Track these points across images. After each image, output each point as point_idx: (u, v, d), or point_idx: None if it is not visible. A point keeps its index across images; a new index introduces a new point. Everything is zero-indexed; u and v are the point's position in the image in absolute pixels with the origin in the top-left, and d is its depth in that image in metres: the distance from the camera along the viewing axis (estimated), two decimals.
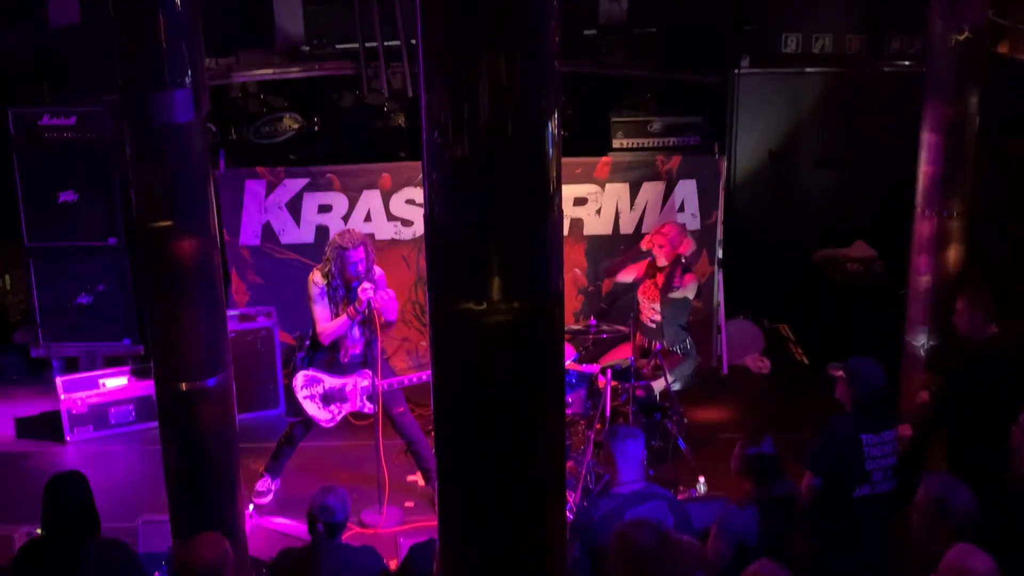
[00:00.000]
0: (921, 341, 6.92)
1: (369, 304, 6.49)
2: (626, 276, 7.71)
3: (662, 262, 7.34)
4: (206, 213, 5.14)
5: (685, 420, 7.19)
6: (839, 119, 9.03)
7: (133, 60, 4.84)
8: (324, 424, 6.78)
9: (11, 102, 8.22)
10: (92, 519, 4.72)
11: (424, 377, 6.81)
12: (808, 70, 9.03)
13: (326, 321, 6.65)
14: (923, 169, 6.77)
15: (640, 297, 7.48)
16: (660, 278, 7.37)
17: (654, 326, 7.40)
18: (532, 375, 3.08)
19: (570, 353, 7.17)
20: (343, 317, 6.60)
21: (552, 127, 2.99)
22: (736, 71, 8.88)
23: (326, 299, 6.62)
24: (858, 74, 9.01)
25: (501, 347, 3.01)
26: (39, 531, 5.09)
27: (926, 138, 6.71)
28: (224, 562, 4.43)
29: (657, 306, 7.36)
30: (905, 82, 8.45)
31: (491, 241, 2.94)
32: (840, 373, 5.54)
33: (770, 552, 4.62)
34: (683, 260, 7.33)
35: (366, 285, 6.51)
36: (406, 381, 6.80)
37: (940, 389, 6.54)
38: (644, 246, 7.48)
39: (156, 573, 5.86)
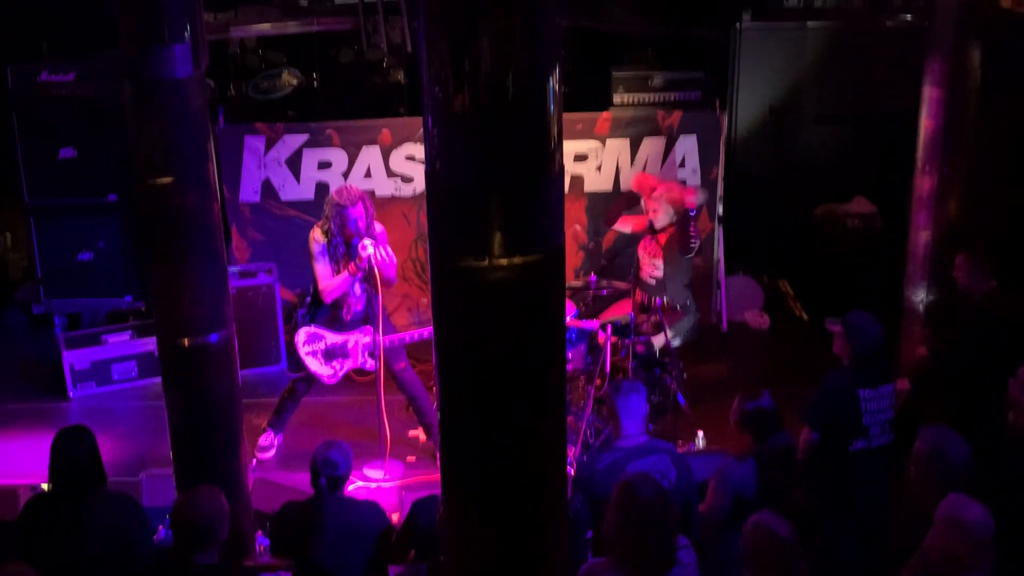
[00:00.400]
0: (920, 296, 6.96)
1: (370, 260, 6.50)
2: (623, 225, 7.69)
3: (660, 224, 7.30)
4: (206, 168, 5.14)
5: (684, 375, 7.23)
6: (841, 74, 9.00)
7: (132, 15, 4.82)
8: (326, 380, 6.81)
9: (10, 59, 8.18)
10: (98, 473, 4.77)
11: (425, 334, 6.84)
12: (810, 24, 8.98)
13: (328, 279, 6.66)
14: (924, 124, 6.77)
15: (641, 253, 7.46)
16: (662, 236, 7.34)
17: (654, 283, 7.40)
18: (533, 329, 3.10)
19: (570, 309, 7.19)
20: (344, 274, 6.61)
21: (553, 82, 2.98)
22: (737, 25, 8.83)
23: (327, 257, 6.63)
24: (860, 28, 8.96)
25: (502, 302, 3.02)
26: (44, 486, 5.15)
27: (927, 93, 6.71)
28: (220, 516, 4.48)
29: (658, 262, 7.34)
30: (907, 37, 8.41)
31: (492, 196, 2.95)
32: (838, 328, 5.56)
33: (768, 504, 4.68)
34: (692, 215, 7.27)
35: (366, 241, 6.52)
36: (407, 338, 6.82)
37: (939, 344, 6.57)
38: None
39: (160, 527, 5.93)
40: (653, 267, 7.36)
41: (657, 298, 7.33)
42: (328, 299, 6.69)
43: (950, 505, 4.22)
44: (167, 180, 4.99)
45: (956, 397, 6.38)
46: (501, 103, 2.90)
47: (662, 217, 7.25)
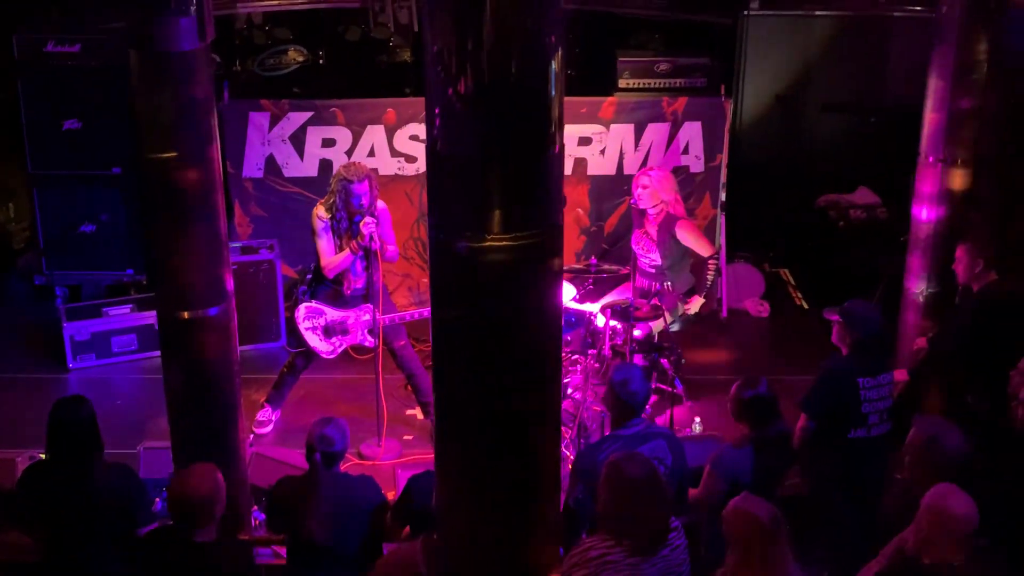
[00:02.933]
0: (921, 288, 6.95)
1: (371, 239, 6.52)
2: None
3: (642, 205, 7.22)
4: (210, 143, 5.13)
5: (683, 361, 7.25)
6: (848, 63, 8.98)
7: None
8: (325, 355, 6.83)
9: (16, 28, 8.17)
10: (96, 442, 4.79)
11: (425, 313, 6.85)
12: (818, 13, 8.96)
13: (330, 255, 6.68)
14: (928, 116, 6.75)
15: (635, 248, 7.41)
16: (651, 228, 7.27)
17: (653, 271, 7.37)
18: (530, 307, 3.11)
19: (571, 292, 7.20)
20: (346, 252, 6.63)
21: (555, 63, 2.99)
22: (745, 12, 8.81)
23: (330, 232, 6.64)
24: (868, 18, 8.94)
25: (499, 279, 3.03)
26: (42, 455, 5.17)
27: (933, 84, 6.69)
28: (216, 493, 4.48)
29: (654, 256, 7.30)
30: (915, 27, 8.39)
31: (491, 175, 2.96)
32: (836, 317, 5.57)
33: (762, 490, 4.69)
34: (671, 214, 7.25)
35: (368, 219, 6.53)
36: (407, 316, 6.84)
37: (938, 335, 6.58)
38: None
39: (157, 499, 5.96)
40: (650, 259, 7.33)
41: (658, 283, 7.33)
42: (329, 274, 6.72)
43: (938, 494, 4.21)
44: (170, 154, 4.99)
45: (955, 389, 6.39)
46: (503, 82, 2.90)
47: (646, 198, 7.19)
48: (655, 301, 7.13)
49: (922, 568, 4.14)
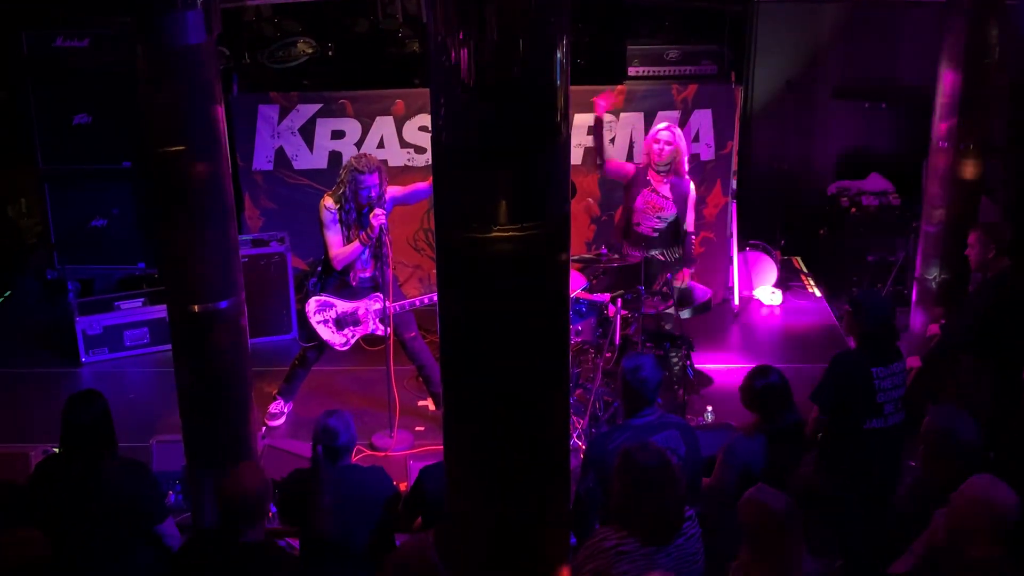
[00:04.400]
0: (933, 274, 6.93)
1: (381, 230, 6.51)
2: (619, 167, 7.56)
3: (664, 159, 7.13)
4: (217, 136, 5.13)
5: (694, 349, 7.22)
6: (859, 49, 8.93)
7: None
8: (339, 348, 6.83)
9: (24, 24, 8.19)
10: (109, 437, 4.78)
11: (435, 297, 6.81)
12: None
13: (339, 246, 6.68)
14: (940, 101, 6.72)
15: (640, 208, 7.28)
16: (659, 185, 7.18)
17: (656, 235, 7.26)
18: (536, 299, 3.10)
19: (581, 282, 7.17)
20: (355, 243, 6.62)
21: (561, 52, 2.97)
22: None
23: (338, 224, 6.64)
24: (879, 3, 8.90)
25: (506, 271, 3.02)
26: (56, 449, 5.18)
27: (944, 69, 6.65)
28: (267, 491, 4.49)
29: (664, 215, 7.21)
30: (926, 12, 8.33)
31: (497, 167, 2.94)
32: (846, 307, 5.54)
33: (775, 480, 4.67)
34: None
35: (378, 211, 6.53)
36: (417, 302, 6.84)
37: (951, 321, 6.55)
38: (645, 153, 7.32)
39: (170, 492, 5.98)
40: (657, 220, 7.20)
41: (659, 251, 7.23)
42: (338, 266, 6.72)
43: (980, 486, 4.10)
44: (178, 148, 4.99)
45: (968, 375, 6.36)
46: (508, 72, 2.88)
47: (668, 153, 7.12)
48: (664, 289, 7.08)
49: (961, 561, 4.08)
